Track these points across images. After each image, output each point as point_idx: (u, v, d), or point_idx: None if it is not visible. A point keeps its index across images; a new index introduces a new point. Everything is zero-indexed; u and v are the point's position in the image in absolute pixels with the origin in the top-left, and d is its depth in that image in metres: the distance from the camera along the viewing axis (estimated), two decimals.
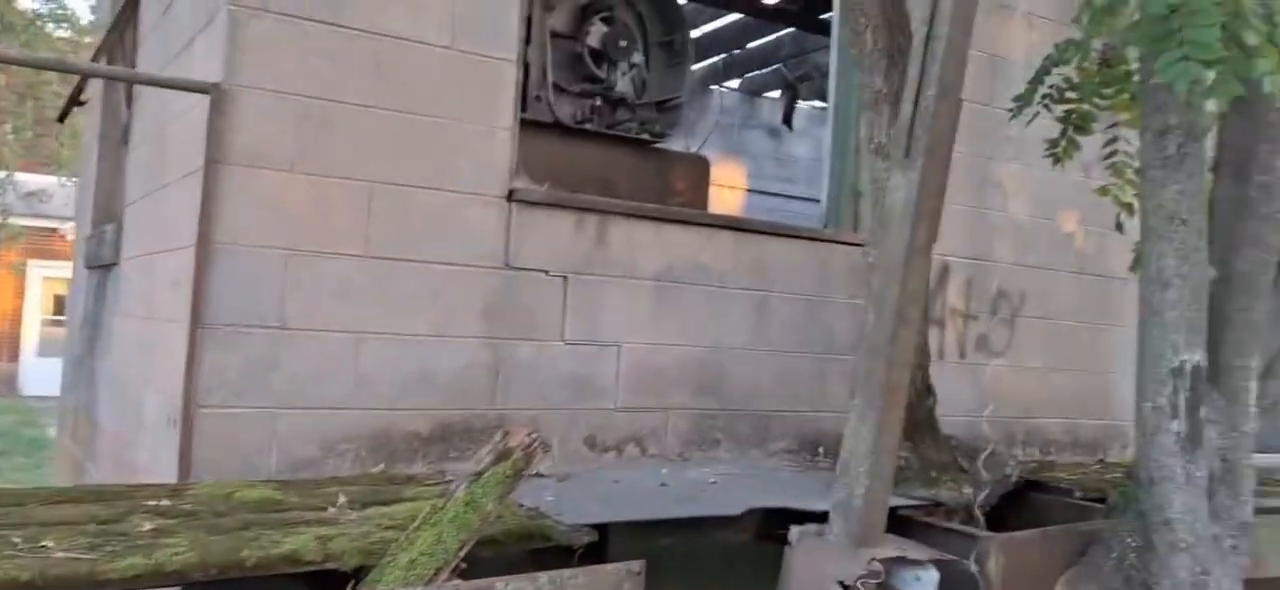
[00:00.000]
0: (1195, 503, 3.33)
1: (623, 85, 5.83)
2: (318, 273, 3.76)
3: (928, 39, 3.18)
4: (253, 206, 3.66)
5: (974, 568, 3.24)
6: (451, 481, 3.30)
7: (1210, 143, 3.69)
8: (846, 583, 2.88)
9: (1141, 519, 3.41)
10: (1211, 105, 3.02)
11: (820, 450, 4.78)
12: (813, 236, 5.05)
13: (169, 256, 4.08)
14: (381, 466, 3.79)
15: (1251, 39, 2.72)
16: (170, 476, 3.57)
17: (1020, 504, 4.27)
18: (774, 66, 10.17)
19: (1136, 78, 3.75)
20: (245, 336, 3.62)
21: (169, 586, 2.49)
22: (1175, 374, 3.34)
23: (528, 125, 4.61)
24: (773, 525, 3.53)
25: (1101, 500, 4.04)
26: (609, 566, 2.80)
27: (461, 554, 2.57)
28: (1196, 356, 3.36)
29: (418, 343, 3.92)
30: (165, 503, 2.99)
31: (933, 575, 3.03)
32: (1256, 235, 3.59)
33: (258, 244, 3.66)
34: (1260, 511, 3.81)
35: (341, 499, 3.10)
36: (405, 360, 3.90)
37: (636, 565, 2.80)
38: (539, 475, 3.91)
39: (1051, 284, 5.70)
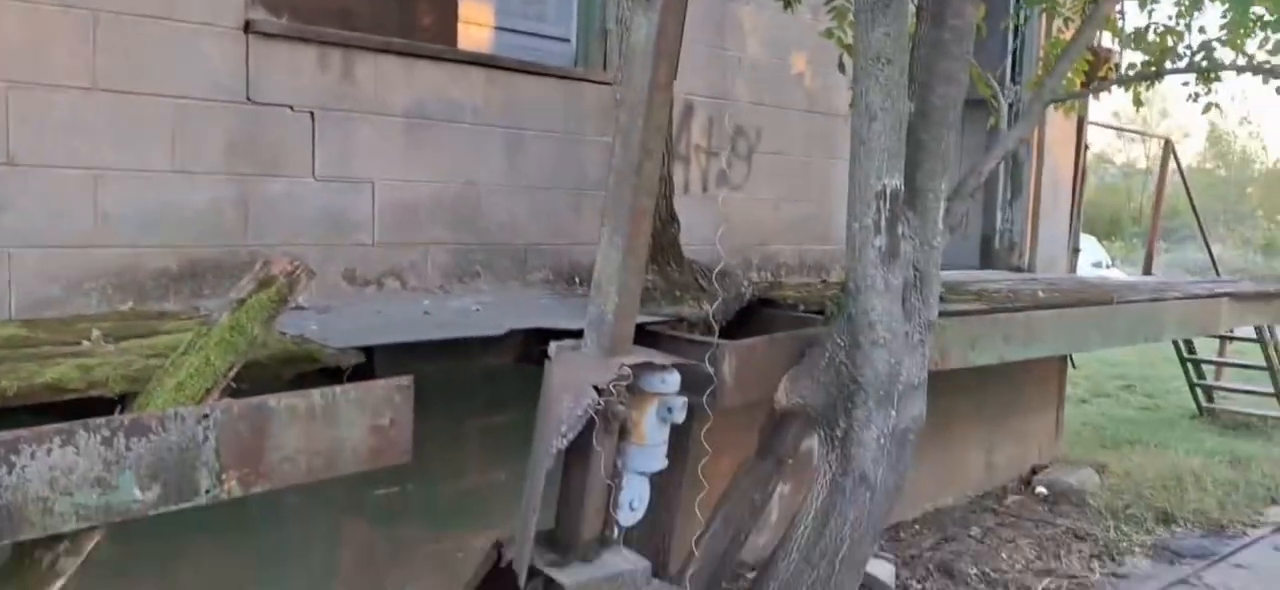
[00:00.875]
0: (892, 306, 3.83)
1: None
2: (44, 106, 3.55)
3: None
4: None
5: (710, 369, 3.63)
6: (208, 316, 3.30)
7: None
8: (600, 386, 3.16)
9: (850, 322, 3.88)
10: None
11: (577, 280, 5.06)
12: (563, 75, 5.20)
13: None
14: (131, 304, 3.70)
15: None
16: None
17: (753, 318, 4.73)
18: None
19: None
20: None
21: None
22: (878, 196, 3.77)
23: None
24: (533, 347, 3.77)
25: (820, 312, 4.57)
26: (380, 382, 2.94)
27: (230, 374, 2.64)
28: (896, 181, 3.80)
29: (160, 179, 3.80)
30: None
31: (675, 376, 3.37)
32: (948, 73, 4.04)
33: None
34: (944, 315, 4.45)
35: (95, 333, 3.05)
36: (148, 197, 3.78)
37: (406, 380, 2.96)
38: (299, 307, 3.94)
39: (784, 122, 6.17)
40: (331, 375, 3.11)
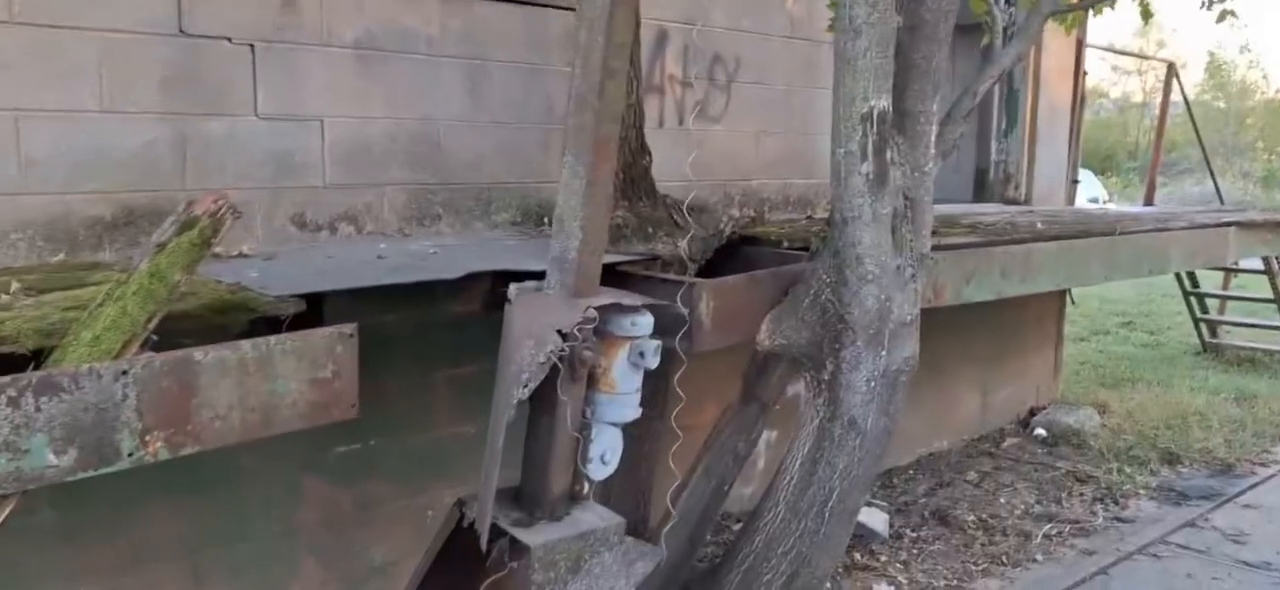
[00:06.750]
0: (881, 237, 3.58)
1: None
2: None
3: None
4: None
5: (684, 309, 3.38)
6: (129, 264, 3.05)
7: None
8: (564, 330, 2.91)
9: (836, 256, 3.63)
10: None
11: (545, 220, 4.78)
12: (523, 0, 4.89)
13: None
14: (62, 255, 3.45)
15: None
16: None
17: (734, 257, 4.47)
18: None
19: None
20: None
21: None
22: (865, 119, 3.50)
23: None
24: (500, 292, 3.51)
25: (805, 248, 4.30)
26: (319, 330, 2.69)
27: (150, 326, 2.40)
28: (883, 102, 3.53)
29: (89, 120, 3.52)
30: None
31: (646, 318, 3.11)
32: None
33: None
34: (937, 248, 4.19)
35: (15, 286, 2.80)
36: (77, 140, 3.50)
37: (349, 328, 2.71)
38: (242, 254, 3.69)
39: (765, 49, 5.86)
40: (272, 325, 2.86)
